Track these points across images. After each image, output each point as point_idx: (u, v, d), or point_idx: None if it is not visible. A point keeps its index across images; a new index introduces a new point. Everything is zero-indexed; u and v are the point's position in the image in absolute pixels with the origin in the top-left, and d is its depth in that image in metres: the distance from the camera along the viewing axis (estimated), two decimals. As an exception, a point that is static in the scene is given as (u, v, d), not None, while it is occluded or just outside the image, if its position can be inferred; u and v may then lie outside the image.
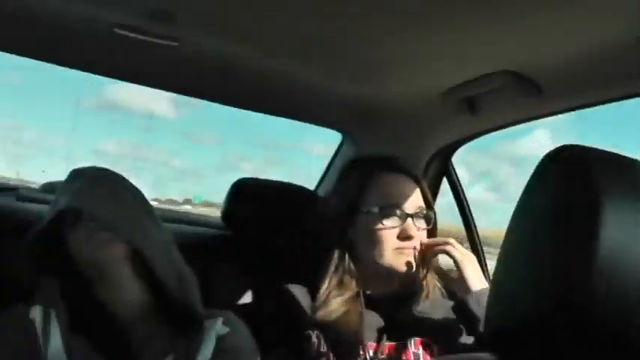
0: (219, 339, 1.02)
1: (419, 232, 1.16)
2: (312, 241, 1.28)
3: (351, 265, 1.18)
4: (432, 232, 1.20)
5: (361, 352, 1.11)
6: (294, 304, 1.20)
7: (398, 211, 1.15)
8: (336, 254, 1.19)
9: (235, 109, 1.64)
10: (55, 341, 0.95)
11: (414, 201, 1.18)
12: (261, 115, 1.65)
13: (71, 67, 1.41)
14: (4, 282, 1.17)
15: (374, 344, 1.13)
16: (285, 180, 1.58)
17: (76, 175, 1.06)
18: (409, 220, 1.15)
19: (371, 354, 1.11)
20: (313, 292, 1.20)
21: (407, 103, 1.45)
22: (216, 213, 1.68)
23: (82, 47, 1.31)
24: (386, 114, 1.55)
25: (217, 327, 1.04)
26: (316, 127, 1.72)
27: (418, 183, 1.21)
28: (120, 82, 1.51)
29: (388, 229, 1.14)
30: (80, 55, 1.37)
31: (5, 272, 1.19)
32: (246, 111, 1.65)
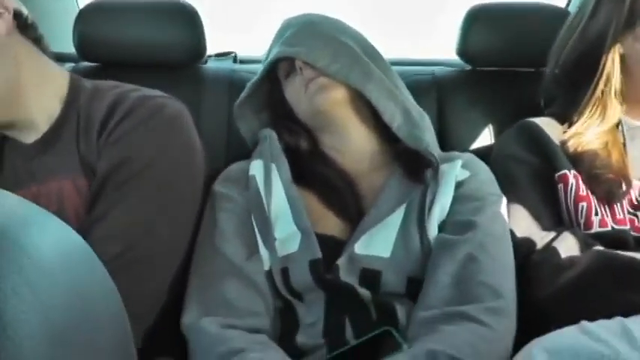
0: (459, 184, 0.91)
1: None
2: (566, 70, 1.05)
3: (619, 81, 0.95)
4: None
5: (625, 191, 0.92)
6: (542, 139, 1.00)
7: None
8: (606, 67, 0.95)
9: None
10: (278, 195, 0.91)
11: None
12: None
13: None
14: (222, 140, 1.20)
15: (638, 183, 0.94)
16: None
17: (288, 24, 1.03)
18: None
19: (637, 193, 0.92)
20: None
21: None
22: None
23: None
24: None
25: (456, 171, 0.92)
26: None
27: None
28: None
29: None
30: None
31: (230, 131, 1.20)
32: None
